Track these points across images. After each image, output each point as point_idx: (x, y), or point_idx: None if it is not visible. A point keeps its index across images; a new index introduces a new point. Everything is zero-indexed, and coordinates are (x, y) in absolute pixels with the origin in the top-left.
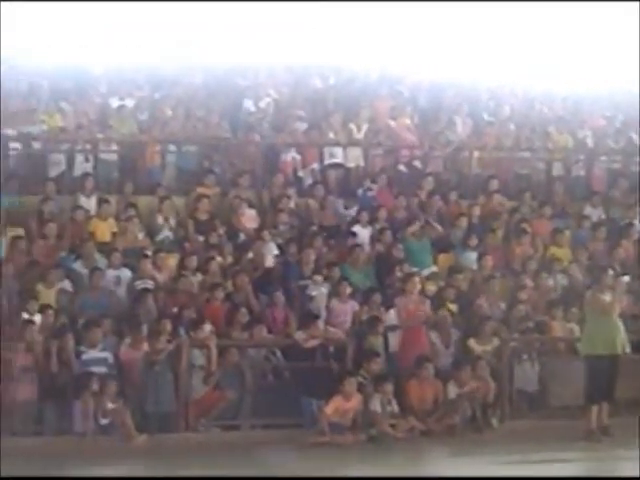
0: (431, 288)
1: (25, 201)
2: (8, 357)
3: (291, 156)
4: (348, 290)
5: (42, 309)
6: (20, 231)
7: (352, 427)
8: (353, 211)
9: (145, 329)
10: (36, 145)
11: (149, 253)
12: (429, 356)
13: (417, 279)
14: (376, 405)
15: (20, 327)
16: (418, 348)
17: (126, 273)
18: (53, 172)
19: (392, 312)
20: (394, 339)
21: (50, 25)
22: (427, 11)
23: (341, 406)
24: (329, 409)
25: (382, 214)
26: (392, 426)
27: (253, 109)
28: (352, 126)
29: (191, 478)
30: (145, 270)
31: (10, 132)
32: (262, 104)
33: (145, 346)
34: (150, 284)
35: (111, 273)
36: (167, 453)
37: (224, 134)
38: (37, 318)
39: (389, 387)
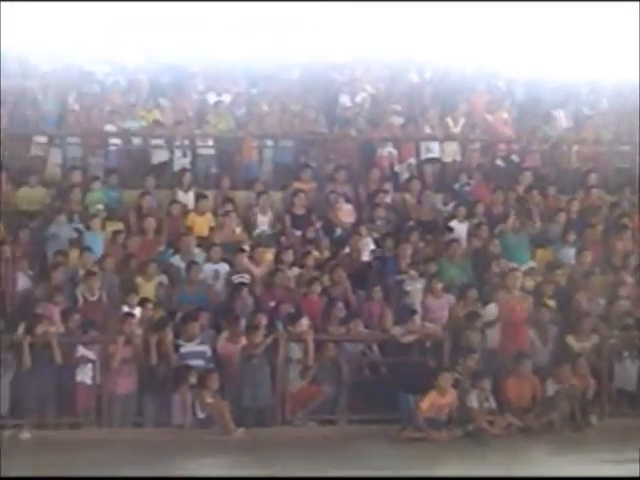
0: (529, 284)
1: (125, 196)
2: (109, 350)
3: (387, 151)
4: (440, 286)
5: (142, 302)
6: (120, 225)
7: (448, 423)
8: (450, 206)
9: (243, 323)
10: (136, 141)
11: (246, 247)
12: (527, 353)
13: (519, 274)
14: (473, 401)
15: (120, 320)
16: (517, 344)
17: (224, 267)
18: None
19: (490, 307)
20: (492, 335)
21: (147, 23)
22: (523, 6)
23: (436, 401)
24: (424, 404)
25: (479, 209)
26: (489, 423)
27: (349, 104)
28: (449, 120)
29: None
30: (241, 264)
31: (110, 128)
32: (358, 99)
33: (243, 340)
34: (246, 278)
35: (210, 267)
36: (263, 447)
37: (321, 129)
38: (137, 311)
39: (487, 383)
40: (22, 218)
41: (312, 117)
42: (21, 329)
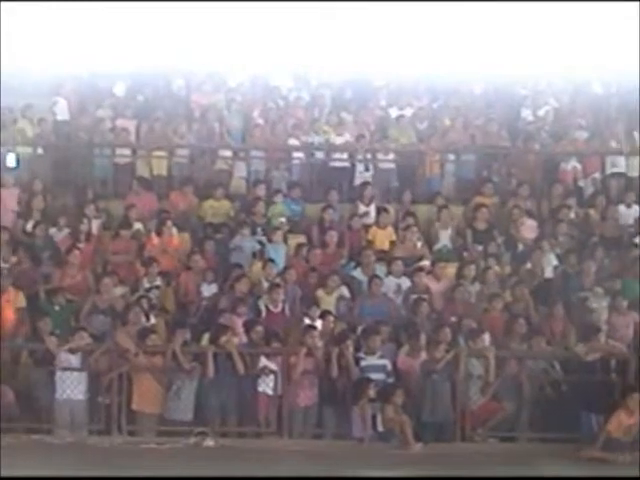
0: None
1: (307, 209)
2: (291, 361)
3: (571, 165)
4: (625, 303)
5: (323, 315)
6: (301, 238)
7: (631, 445)
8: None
9: (423, 337)
10: (318, 154)
11: (426, 263)
12: None
13: None
14: None
15: (302, 332)
16: None
17: (405, 282)
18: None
19: None
20: None
21: (328, 38)
22: None
23: (624, 422)
24: (612, 425)
25: None
26: None
27: (532, 118)
28: (636, 134)
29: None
30: (420, 281)
31: (293, 142)
32: (541, 112)
33: (423, 354)
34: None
35: (391, 281)
36: (442, 462)
37: (503, 143)
38: (318, 324)
39: None
40: (207, 230)
41: (494, 131)
42: (205, 339)
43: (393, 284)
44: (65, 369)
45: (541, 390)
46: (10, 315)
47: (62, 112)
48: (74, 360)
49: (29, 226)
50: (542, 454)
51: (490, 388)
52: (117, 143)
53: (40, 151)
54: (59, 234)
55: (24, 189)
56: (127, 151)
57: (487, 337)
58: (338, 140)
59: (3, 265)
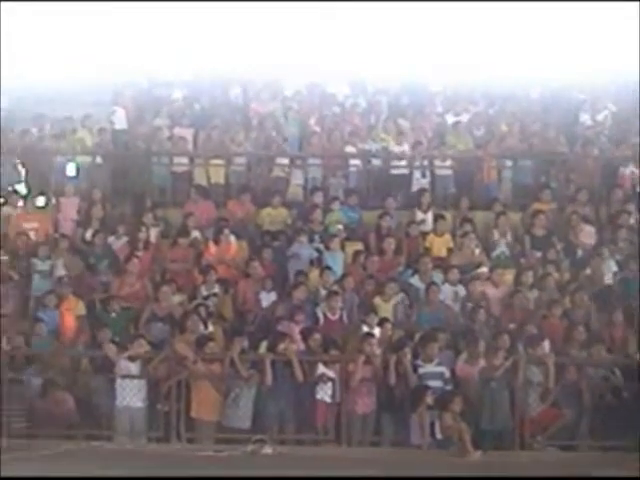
0: None
1: (364, 216)
2: (349, 369)
3: (630, 170)
4: None
5: (381, 322)
6: (359, 246)
7: None
8: None
9: (482, 345)
10: (375, 162)
11: (483, 270)
12: None
13: None
14: None
15: (360, 340)
16: None
17: (462, 289)
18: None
19: None
20: None
21: (386, 44)
22: None
23: None
24: None
25: None
26: None
27: (590, 122)
28: None
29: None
30: (478, 288)
31: (350, 149)
32: (600, 117)
33: (482, 362)
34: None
35: (448, 288)
36: (501, 470)
37: (561, 148)
38: (376, 331)
39: None
40: (265, 238)
41: (552, 136)
42: (263, 347)
43: (450, 291)
44: (125, 376)
45: (601, 398)
46: (70, 323)
47: (120, 121)
48: (133, 368)
49: (88, 234)
50: (602, 463)
51: (549, 395)
52: (175, 152)
53: (99, 160)
54: (117, 242)
55: (83, 198)
56: (185, 159)
57: (547, 344)
58: (395, 147)
59: (63, 273)
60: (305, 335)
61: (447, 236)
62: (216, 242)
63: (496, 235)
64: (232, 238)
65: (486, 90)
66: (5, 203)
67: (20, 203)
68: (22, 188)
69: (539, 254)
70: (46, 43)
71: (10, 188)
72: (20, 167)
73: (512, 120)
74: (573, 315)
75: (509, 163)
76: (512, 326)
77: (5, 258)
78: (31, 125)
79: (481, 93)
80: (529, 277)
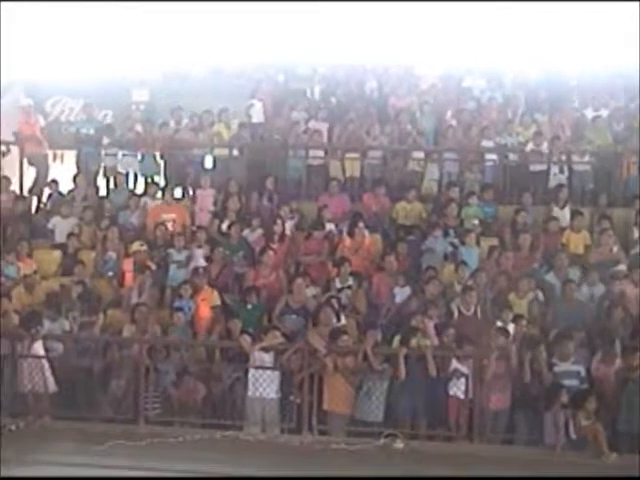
0: None
1: (500, 211)
2: (483, 365)
3: None
4: None
5: (515, 319)
6: (494, 241)
7: None
8: None
9: (618, 344)
10: (512, 156)
11: (622, 268)
12: None
13: None
14: None
15: (494, 335)
16: None
17: (600, 289)
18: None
19: None
20: None
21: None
22: None
23: None
24: None
25: None
26: None
27: None
28: None
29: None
30: (616, 286)
31: (487, 143)
32: None
33: (617, 362)
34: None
35: (585, 289)
36: (636, 473)
37: None
38: (510, 327)
39: None
40: (399, 232)
41: None
42: (396, 341)
43: (587, 291)
44: (258, 367)
45: None
46: (206, 313)
47: (257, 115)
48: (267, 359)
49: (224, 226)
50: None
51: None
52: (311, 145)
53: (235, 153)
54: (253, 234)
55: (219, 190)
56: (320, 153)
57: None
58: (533, 142)
59: (200, 264)
60: (439, 330)
61: (584, 233)
62: (350, 235)
63: (636, 233)
64: (366, 232)
65: (627, 84)
66: (144, 194)
67: (159, 194)
68: (161, 180)
69: None
70: (184, 36)
71: (149, 179)
72: (159, 159)
73: None
74: None
75: None
76: None
77: (144, 248)
78: (169, 118)
79: (621, 87)
80: None
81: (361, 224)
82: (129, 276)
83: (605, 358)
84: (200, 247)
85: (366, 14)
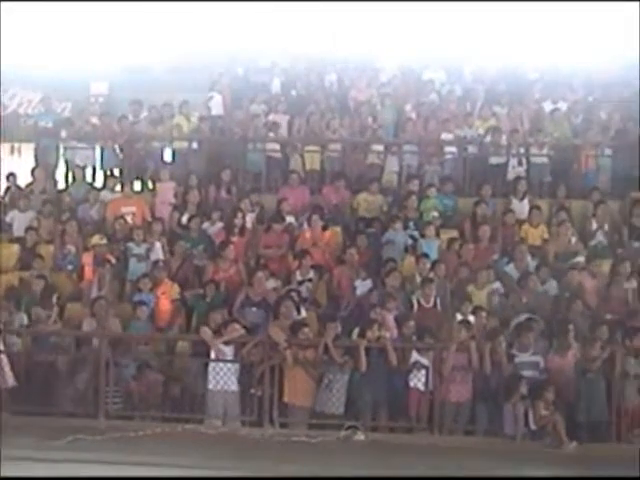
0: None
1: (460, 204)
2: (443, 357)
3: None
4: None
5: (475, 310)
6: (454, 233)
7: None
8: None
9: (571, 335)
10: (471, 149)
11: (580, 260)
12: None
13: None
14: None
15: (454, 328)
16: None
17: (559, 280)
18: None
19: None
20: None
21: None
22: None
23: None
24: None
25: None
26: None
27: None
28: None
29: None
30: (574, 278)
31: (446, 136)
32: None
33: (576, 353)
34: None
35: (544, 281)
36: (596, 462)
37: None
38: (470, 319)
39: None
40: (360, 224)
41: None
42: (355, 333)
43: (546, 282)
44: (218, 360)
45: None
46: (166, 306)
47: (217, 107)
48: (228, 352)
49: (184, 219)
50: None
51: None
52: (270, 138)
53: (195, 146)
54: (213, 228)
55: (179, 183)
56: (280, 146)
57: None
58: (491, 135)
59: (159, 257)
60: (399, 322)
61: (542, 227)
62: (310, 228)
63: (594, 224)
64: (320, 224)
65: (586, 77)
66: (103, 187)
67: (118, 188)
68: (120, 173)
69: (637, 244)
70: (145, 29)
71: (108, 173)
72: (118, 152)
73: (613, 108)
74: None
75: (608, 152)
76: (609, 317)
77: (103, 242)
78: (128, 111)
79: (581, 80)
80: (626, 267)
81: (315, 216)
82: (89, 270)
83: (559, 349)
84: (158, 240)
85: (326, 7)
